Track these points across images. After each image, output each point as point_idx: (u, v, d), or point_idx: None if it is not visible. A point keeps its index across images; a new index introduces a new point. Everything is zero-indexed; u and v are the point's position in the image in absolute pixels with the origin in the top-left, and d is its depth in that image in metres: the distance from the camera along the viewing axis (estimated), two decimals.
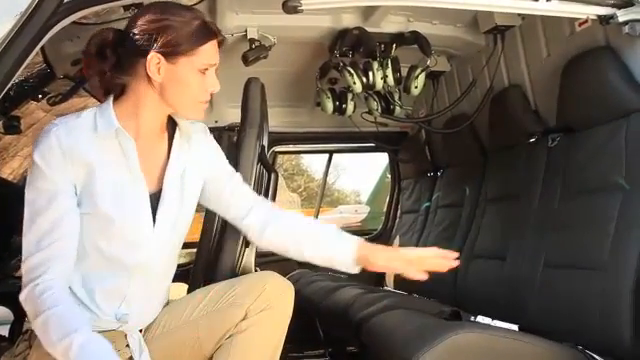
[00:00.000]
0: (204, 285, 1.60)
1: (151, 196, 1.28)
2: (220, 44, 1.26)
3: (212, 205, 1.45)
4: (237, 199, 1.41)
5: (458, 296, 2.38)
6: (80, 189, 1.20)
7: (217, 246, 1.59)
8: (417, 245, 2.97)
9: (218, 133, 2.77)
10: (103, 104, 1.26)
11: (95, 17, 1.83)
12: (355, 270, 1.36)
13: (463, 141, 2.63)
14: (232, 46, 2.20)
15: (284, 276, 3.16)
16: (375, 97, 2.61)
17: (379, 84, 2.38)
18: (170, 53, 1.18)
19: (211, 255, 1.70)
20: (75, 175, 1.18)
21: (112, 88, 1.26)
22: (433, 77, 2.75)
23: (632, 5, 1.60)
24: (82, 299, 1.23)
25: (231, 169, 1.46)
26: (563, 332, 1.64)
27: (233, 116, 2.80)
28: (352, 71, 2.36)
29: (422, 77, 2.44)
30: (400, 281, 3.08)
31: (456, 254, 1.26)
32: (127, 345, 1.27)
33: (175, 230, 1.33)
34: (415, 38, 2.28)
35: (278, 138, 3.24)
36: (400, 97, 2.65)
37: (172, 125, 1.35)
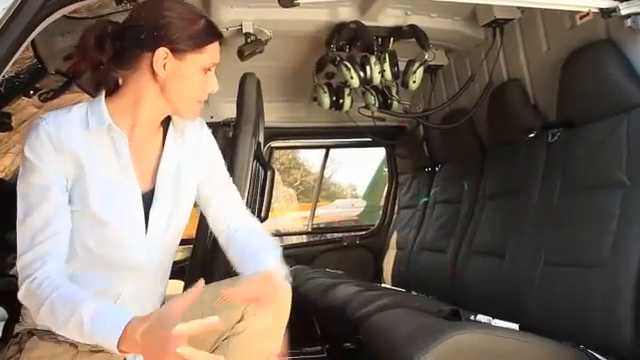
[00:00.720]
0: (201, 270, 1.59)
1: (144, 195, 1.25)
2: (221, 44, 1.25)
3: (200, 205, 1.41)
4: (223, 214, 1.37)
5: (456, 293, 2.37)
6: (71, 184, 1.17)
7: (213, 242, 1.55)
8: (415, 240, 2.96)
9: (213, 129, 2.72)
10: (94, 99, 1.22)
11: (87, 11, 1.79)
12: None
13: (461, 136, 2.61)
14: (227, 40, 2.15)
15: None
16: (372, 92, 2.58)
17: (377, 79, 2.35)
18: (179, 49, 1.17)
19: (207, 251, 1.67)
20: (66, 169, 1.16)
21: (105, 82, 1.23)
22: (431, 71, 2.72)
23: None
24: None
25: (225, 176, 1.40)
26: (563, 330, 1.62)
27: (229, 111, 2.77)
28: (349, 65, 2.33)
29: (420, 71, 2.41)
30: (397, 277, 3.07)
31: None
32: None
33: (169, 230, 1.29)
34: (413, 32, 2.25)
35: (275, 133, 3.20)
36: (398, 91, 2.62)
37: (166, 121, 1.31)
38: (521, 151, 2.15)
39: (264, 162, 1.69)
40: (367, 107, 2.64)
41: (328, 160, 4.09)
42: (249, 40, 2.13)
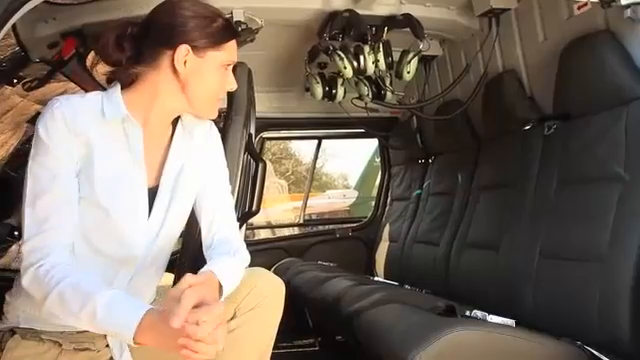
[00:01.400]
0: (191, 270, 1.54)
1: (148, 190, 1.23)
2: (238, 43, 1.26)
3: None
4: (212, 225, 1.32)
5: (450, 287, 2.35)
6: (80, 169, 1.15)
7: None
8: (408, 232, 2.93)
9: None
10: (109, 90, 1.21)
11: None
12: None
13: (455, 128, 2.58)
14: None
15: (273, 264, 3.13)
16: (366, 82, 2.53)
17: (370, 69, 2.30)
18: (198, 46, 1.17)
19: (198, 244, 1.62)
20: (76, 152, 1.14)
21: (124, 78, 1.22)
22: (425, 62, 2.68)
23: None
24: None
25: (224, 186, 1.37)
26: (560, 326, 1.61)
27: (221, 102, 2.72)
28: (342, 55, 2.28)
29: (415, 62, 2.37)
30: (390, 270, 3.05)
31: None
32: (107, 345, 1.22)
33: (166, 228, 1.26)
34: (407, 21, 2.20)
35: (266, 124, 3.15)
36: (391, 82, 2.58)
37: (175, 121, 1.29)
38: (516, 143, 2.12)
39: (255, 154, 1.65)
40: (360, 98, 2.59)
41: (320, 151, 4.05)
42: (240, 29, 2.06)
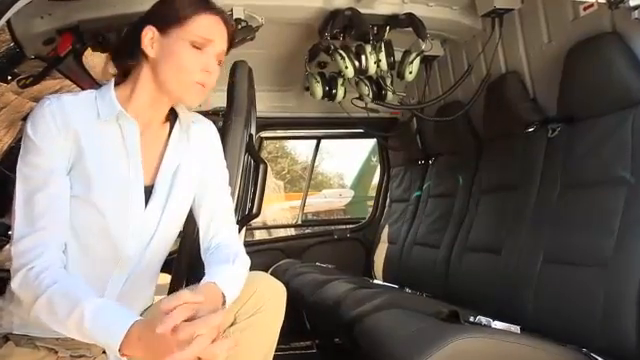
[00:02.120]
0: (188, 275, 1.51)
1: (145, 188, 1.19)
2: (226, 24, 1.18)
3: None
4: (209, 229, 1.29)
5: (450, 289, 2.32)
6: (71, 167, 1.12)
7: None
8: (408, 234, 2.91)
9: None
10: (103, 87, 1.19)
11: None
12: None
13: (456, 129, 2.55)
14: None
15: (270, 266, 3.09)
16: (366, 82, 2.50)
17: (372, 69, 2.27)
18: (162, 24, 1.14)
19: (195, 244, 1.59)
20: (68, 150, 1.11)
21: (119, 74, 1.22)
22: (426, 62, 2.65)
23: None
24: None
25: (223, 187, 1.33)
26: (563, 331, 1.58)
27: (217, 99, 2.65)
28: (344, 55, 2.24)
29: (417, 62, 2.34)
30: (389, 272, 3.03)
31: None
32: (104, 352, 1.18)
33: (161, 229, 1.22)
34: (410, 21, 2.17)
35: (264, 123, 3.12)
36: (392, 82, 2.55)
37: (174, 117, 1.26)
38: (519, 145, 2.10)
39: (256, 155, 1.61)
40: (360, 98, 2.56)
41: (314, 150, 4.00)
42: (240, 27, 2.03)
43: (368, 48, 2.25)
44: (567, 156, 1.83)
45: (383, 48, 2.27)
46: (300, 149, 18.07)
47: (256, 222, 4.36)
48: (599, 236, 1.58)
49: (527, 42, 2.13)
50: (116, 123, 1.15)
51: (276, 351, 1.29)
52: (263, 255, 3.13)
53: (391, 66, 2.31)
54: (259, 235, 4.45)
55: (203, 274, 1.21)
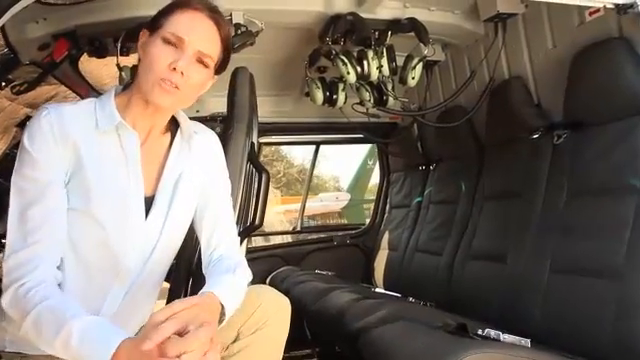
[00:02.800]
0: (186, 284, 1.47)
1: (145, 199, 1.16)
2: (216, 24, 1.11)
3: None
4: (210, 242, 1.25)
5: (453, 298, 2.29)
6: (69, 180, 1.08)
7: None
8: (409, 241, 2.87)
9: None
10: (104, 96, 1.15)
11: None
12: None
13: (458, 134, 2.52)
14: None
15: (269, 273, 3.03)
16: (367, 87, 2.47)
17: (374, 74, 2.24)
18: (150, 27, 1.11)
19: (195, 252, 1.55)
20: (66, 163, 1.07)
21: None
22: (427, 67, 2.61)
23: None
24: None
25: (225, 199, 1.29)
26: (573, 342, 1.55)
27: (216, 105, 2.65)
28: (346, 60, 2.21)
29: (419, 67, 2.31)
30: (390, 279, 2.99)
31: None
32: None
33: (162, 241, 1.19)
34: (412, 25, 2.14)
35: (263, 129, 3.05)
36: (394, 87, 2.51)
37: (176, 127, 1.22)
38: (523, 151, 2.07)
39: (258, 164, 1.57)
40: (361, 103, 2.53)
41: (310, 153, 3.96)
42: (239, 31, 1.99)
43: (370, 53, 2.22)
44: (574, 163, 1.80)
45: (385, 53, 2.23)
46: (296, 152, 18.07)
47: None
48: (609, 245, 1.55)
49: (531, 47, 2.11)
50: (115, 133, 1.12)
51: None
52: (262, 262, 3.08)
53: (393, 71, 2.28)
54: (256, 241, 4.40)
55: (203, 284, 1.18)
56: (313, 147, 3.80)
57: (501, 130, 2.24)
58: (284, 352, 2.65)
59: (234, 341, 1.17)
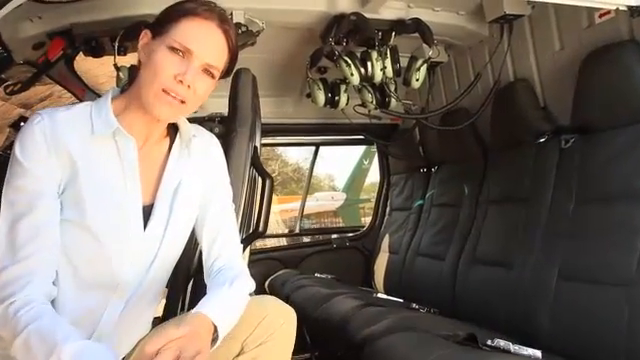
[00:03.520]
0: (185, 290, 1.43)
1: (144, 208, 1.11)
2: (226, 36, 1.07)
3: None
4: (212, 250, 1.21)
5: (457, 304, 2.25)
6: (64, 191, 1.03)
7: (200, 255, 1.38)
8: (410, 245, 2.83)
9: (197, 123, 2.54)
10: (100, 100, 1.09)
11: None
12: None
13: (461, 137, 2.47)
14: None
15: (268, 276, 2.98)
16: (370, 89, 2.42)
17: (378, 76, 2.19)
18: (154, 28, 1.06)
19: (194, 257, 1.50)
20: (59, 173, 1.02)
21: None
22: (429, 68, 2.56)
23: None
24: None
25: (226, 205, 1.24)
26: (584, 351, 1.52)
27: (214, 105, 2.57)
28: (349, 61, 2.16)
29: (424, 69, 2.26)
30: (390, 283, 2.94)
31: None
32: None
33: (162, 250, 1.13)
34: (416, 26, 2.09)
35: (262, 130, 3.02)
36: (396, 89, 2.47)
37: (174, 131, 1.17)
38: (529, 155, 2.03)
39: (262, 169, 1.52)
40: (363, 105, 2.48)
41: (305, 152, 3.92)
42: (240, 31, 1.94)
43: (374, 54, 2.17)
44: (583, 168, 1.76)
45: (389, 54, 2.19)
46: (290, 152, 18.00)
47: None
48: (620, 254, 1.52)
49: (537, 49, 2.07)
50: (112, 139, 1.07)
51: None
52: (260, 265, 3.03)
53: (397, 73, 2.23)
54: (254, 244, 4.35)
55: (203, 290, 1.15)
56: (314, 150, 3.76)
57: (506, 133, 2.20)
58: None
59: (238, 354, 1.12)
